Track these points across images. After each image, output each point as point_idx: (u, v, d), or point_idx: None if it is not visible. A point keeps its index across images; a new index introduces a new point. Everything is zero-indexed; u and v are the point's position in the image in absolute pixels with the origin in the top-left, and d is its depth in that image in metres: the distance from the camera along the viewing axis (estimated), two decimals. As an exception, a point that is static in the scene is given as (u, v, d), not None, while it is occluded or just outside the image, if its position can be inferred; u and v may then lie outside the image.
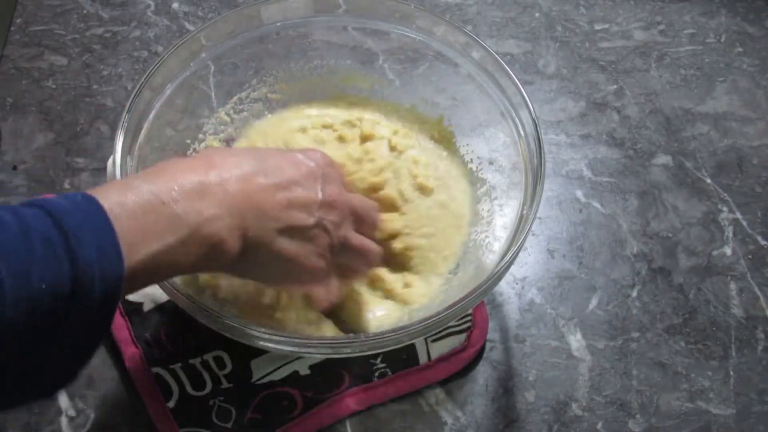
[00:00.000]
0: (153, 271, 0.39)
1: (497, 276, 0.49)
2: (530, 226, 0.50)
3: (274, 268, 0.46)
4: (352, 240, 0.50)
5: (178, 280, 0.50)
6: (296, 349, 0.48)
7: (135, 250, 0.37)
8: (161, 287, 0.48)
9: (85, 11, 0.78)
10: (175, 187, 0.41)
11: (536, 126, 0.54)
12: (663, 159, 0.71)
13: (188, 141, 0.61)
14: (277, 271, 0.47)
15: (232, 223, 0.42)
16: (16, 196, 0.62)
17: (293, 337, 0.48)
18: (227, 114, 0.63)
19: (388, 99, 0.65)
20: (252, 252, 0.44)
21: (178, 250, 0.40)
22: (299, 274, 0.48)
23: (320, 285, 0.50)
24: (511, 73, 0.56)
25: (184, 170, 0.42)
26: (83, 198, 0.37)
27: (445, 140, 0.64)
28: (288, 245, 0.45)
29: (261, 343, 0.48)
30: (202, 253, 0.41)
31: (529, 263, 0.64)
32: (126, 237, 0.37)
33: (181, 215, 0.40)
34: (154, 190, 0.39)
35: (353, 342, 0.47)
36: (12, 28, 0.76)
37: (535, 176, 0.52)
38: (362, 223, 0.51)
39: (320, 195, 0.47)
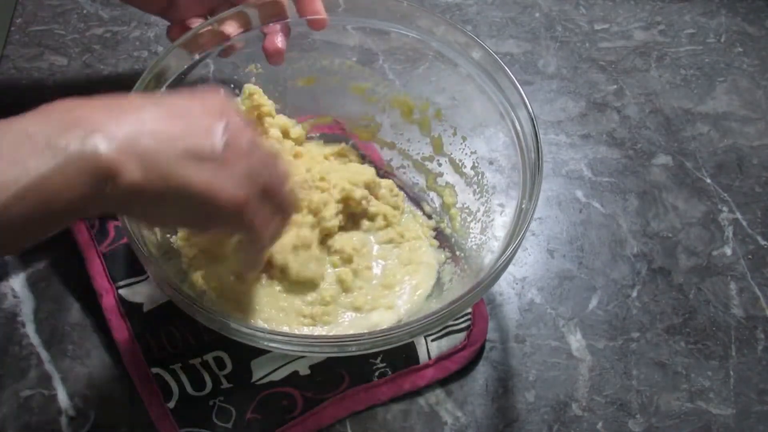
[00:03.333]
0: (25, 215, 0.33)
1: (497, 272, 0.49)
2: (529, 223, 0.50)
3: (186, 201, 0.39)
4: (267, 173, 0.43)
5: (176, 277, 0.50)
6: (299, 348, 0.48)
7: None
8: (160, 287, 0.48)
9: (85, 11, 0.78)
10: (51, 120, 0.35)
11: (534, 124, 0.54)
12: (663, 159, 0.71)
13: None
14: (192, 207, 0.40)
15: (123, 147, 0.35)
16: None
17: (295, 336, 0.48)
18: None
19: (386, 99, 0.66)
20: (153, 184, 0.37)
21: (53, 182, 0.34)
22: (219, 211, 0.40)
23: (249, 226, 0.43)
24: (509, 73, 0.56)
25: (68, 106, 0.37)
26: None
27: (436, 146, 0.65)
28: (197, 171, 0.38)
29: (264, 343, 0.48)
30: (86, 183, 0.34)
31: (529, 263, 0.64)
32: None
33: (55, 142, 0.34)
34: (20, 125, 0.34)
35: (356, 340, 0.47)
36: (12, 28, 0.76)
37: (534, 173, 0.52)
38: (278, 174, 0.45)
39: (224, 119, 0.40)
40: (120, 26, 0.77)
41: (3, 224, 0.33)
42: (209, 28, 0.57)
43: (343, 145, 0.66)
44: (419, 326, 0.47)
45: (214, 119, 0.40)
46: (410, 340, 0.54)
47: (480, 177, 0.62)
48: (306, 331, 0.56)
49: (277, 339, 0.47)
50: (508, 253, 0.49)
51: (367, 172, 0.62)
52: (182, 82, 0.57)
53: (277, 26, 0.60)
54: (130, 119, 0.37)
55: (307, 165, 0.62)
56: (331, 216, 0.58)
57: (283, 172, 0.46)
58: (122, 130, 0.36)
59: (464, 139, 0.63)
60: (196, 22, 0.60)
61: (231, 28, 0.58)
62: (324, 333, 0.56)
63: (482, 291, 0.49)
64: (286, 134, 0.63)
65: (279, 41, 0.60)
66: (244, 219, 0.42)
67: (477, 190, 0.62)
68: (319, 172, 0.61)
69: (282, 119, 0.63)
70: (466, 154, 0.63)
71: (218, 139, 0.39)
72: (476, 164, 0.62)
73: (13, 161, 0.33)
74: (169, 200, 0.38)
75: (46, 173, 0.33)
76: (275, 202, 0.45)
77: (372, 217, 0.61)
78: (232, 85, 0.63)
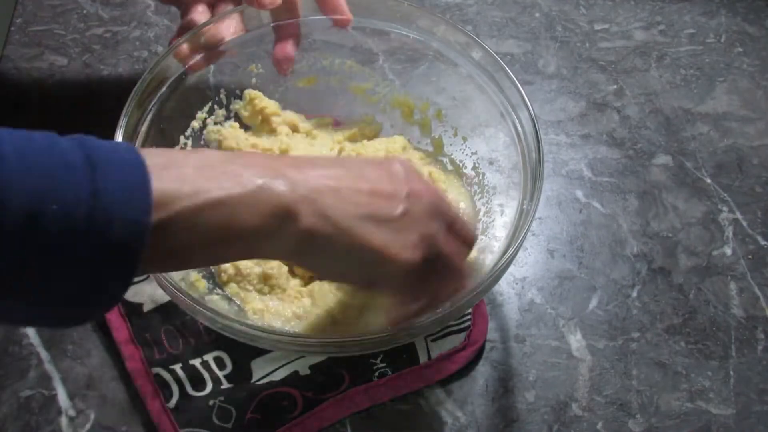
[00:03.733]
0: (198, 225, 0.34)
1: (498, 273, 0.49)
2: (529, 224, 0.50)
3: (358, 257, 0.40)
4: (444, 243, 0.43)
5: (176, 276, 0.50)
6: (299, 348, 0.48)
7: (174, 201, 0.33)
8: (161, 286, 0.48)
9: (85, 11, 0.78)
10: (241, 155, 0.37)
11: (535, 125, 0.54)
12: (663, 159, 0.71)
13: (187, 141, 0.61)
14: (365, 263, 0.40)
15: (305, 194, 0.37)
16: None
17: (296, 336, 0.48)
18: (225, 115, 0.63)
19: (387, 100, 0.66)
20: (330, 236, 0.38)
21: (235, 204, 0.35)
22: (392, 269, 0.41)
23: (417, 288, 0.44)
24: (510, 73, 0.56)
25: (255, 155, 0.39)
26: (125, 145, 0.34)
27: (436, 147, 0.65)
28: (374, 231, 0.39)
29: (265, 343, 0.48)
30: (268, 215, 0.36)
31: (529, 263, 0.64)
32: (166, 185, 0.33)
33: (242, 173, 0.36)
34: (214, 155, 0.36)
35: (357, 341, 0.47)
36: (12, 28, 0.76)
37: (534, 173, 0.52)
38: (455, 226, 0.44)
39: (406, 187, 0.41)
40: (120, 26, 0.77)
41: (188, 226, 0.34)
42: (207, 28, 0.57)
43: (354, 129, 0.66)
44: (420, 327, 0.47)
45: (396, 186, 0.41)
46: (410, 341, 0.54)
47: (480, 177, 0.62)
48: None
49: (278, 339, 0.47)
50: (509, 254, 0.49)
51: (398, 140, 0.63)
52: (182, 82, 0.57)
53: (289, 30, 0.60)
54: (316, 174, 0.39)
55: (329, 147, 0.62)
56: None
57: (465, 232, 0.46)
58: (308, 182, 0.38)
59: (465, 139, 0.63)
60: (200, 9, 0.60)
61: (229, 30, 0.58)
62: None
63: (483, 292, 0.49)
64: (295, 129, 0.63)
65: (289, 48, 0.59)
66: (411, 283, 0.43)
67: (477, 191, 0.62)
68: (353, 149, 0.61)
69: (289, 115, 0.63)
70: (466, 154, 0.63)
71: (399, 205, 0.40)
72: (477, 164, 0.62)
73: (206, 178, 0.35)
74: (341, 252, 0.40)
75: (235, 195, 0.35)
76: (448, 267, 0.45)
77: None
78: (232, 86, 0.63)
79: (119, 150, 0.34)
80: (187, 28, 0.58)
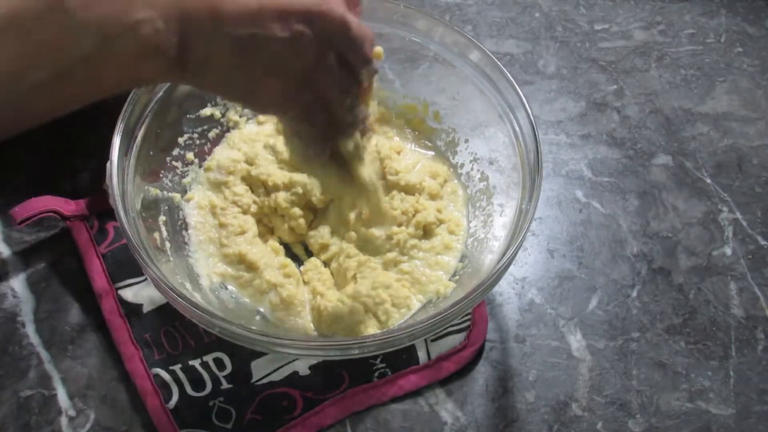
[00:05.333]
0: (60, 92, 0.33)
1: (498, 274, 0.49)
2: (529, 224, 0.50)
3: (239, 82, 0.38)
4: (325, 77, 0.41)
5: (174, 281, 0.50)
6: (298, 352, 0.48)
7: (25, 73, 0.32)
8: (160, 292, 0.48)
9: (85, 11, 0.78)
10: None
11: (533, 126, 0.54)
12: (663, 159, 0.71)
13: (187, 142, 0.61)
14: (238, 87, 0.39)
15: (166, 28, 0.35)
16: (17, 196, 0.62)
17: (296, 339, 0.48)
18: (222, 114, 0.63)
19: (386, 100, 0.66)
20: (203, 62, 0.36)
21: (88, 70, 0.33)
22: (269, 100, 0.40)
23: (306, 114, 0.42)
24: (508, 74, 0.56)
25: None
26: None
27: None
28: (257, 64, 0.37)
29: (262, 346, 0.48)
30: (125, 69, 0.34)
31: (529, 263, 0.64)
32: (14, 59, 0.31)
33: (88, 23, 0.33)
34: None
35: (358, 343, 0.47)
36: (12, 28, 0.76)
37: (533, 173, 0.52)
38: (351, 51, 0.42)
39: (307, 4, 0.38)
40: (120, 26, 0.77)
41: (31, 102, 0.33)
42: None
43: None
44: (421, 329, 0.47)
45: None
46: (411, 343, 0.54)
47: (480, 177, 0.62)
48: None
49: (277, 342, 0.47)
50: (509, 254, 0.49)
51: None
52: (172, 95, 0.57)
53: None
54: None
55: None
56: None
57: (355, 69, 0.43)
58: (168, 14, 0.35)
59: (466, 141, 0.63)
60: None
61: None
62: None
63: (484, 292, 0.49)
64: None
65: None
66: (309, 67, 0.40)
67: (478, 191, 0.62)
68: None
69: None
70: (467, 154, 0.63)
71: (289, 28, 0.38)
72: (477, 165, 0.62)
73: (37, 48, 0.33)
74: (217, 77, 0.38)
75: (79, 57, 0.33)
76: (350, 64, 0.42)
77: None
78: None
79: None
80: None
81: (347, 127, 0.46)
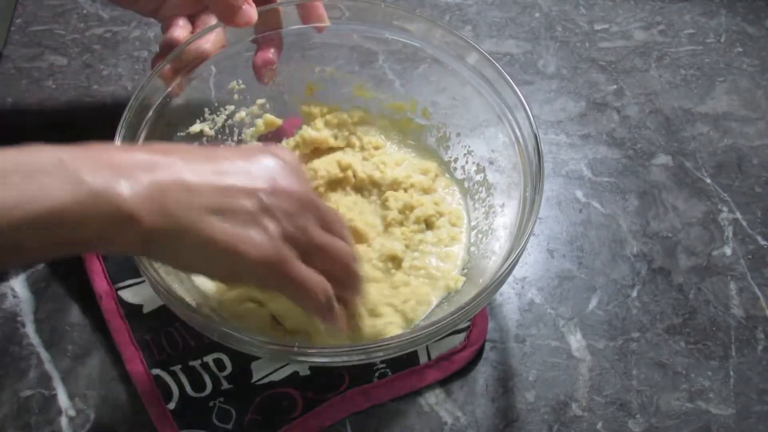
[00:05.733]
0: (34, 237, 0.33)
1: (502, 277, 0.49)
2: (531, 228, 0.50)
3: (207, 252, 0.39)
4: (316, 236, 0.42)
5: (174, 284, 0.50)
6: (297, 359, 0.48)
7: (8, 212, 0.32)
8: (158, 294, 0.48)
9: (85, 11, 0.78)
10: (87, 156, 0.35)
11: (533, 127, 0.54)
12: (663, 159, 0.71)
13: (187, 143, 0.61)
14: (216, 258, 0.39)
15: (147, 195, 0.36)
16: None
17: (292, 345, 0.48)
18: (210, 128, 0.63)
19: (386, 102, 0.66)
20: (174, 233, 0.37)
21: (68, 216, 0.33)
22: (246, 264, 0.40)
23: (295, 286, 0.42)
24: (507, 76, 0.56)
25: (108, 147, 0.37)
26: None
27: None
28: (220, 226, 0.38)
29: (256, 350, 0.48)
30: (103, 223, 0.35)
31: (529, 263, 0.64)
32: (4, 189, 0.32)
33: (80, 176, 0.34)
34: (60, 155, 0.34)
35: (359, 350, 0.47)
36: (12, 28, 0.76)
37: (535, 180, 0.52)
38: (329, 224, 0.44)
39: (269, 182, 0.40)
40: (120, 26, 0.77)
41: (8, 242, 0.33)
42: (188, 48, 0.56)
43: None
44: (426, 334, 0.47)
45: (256, 181, 0.40)
46: (414, 349, 0.54)
47: (481, 177, 0.62)
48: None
49: (275, 349, 0.47)
50: (512, 257, 0.49)
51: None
52: (168, 104, 0.57)
53: (270, 40, 0.59)
54: (167, 170, 0.37)
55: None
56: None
57: (338, 226, 0.46)
58: (151, 179, 0.37)
59: (458, 135, 0.63)
60: (180, 24, 0.59)
61: (210, 46, 0.57)
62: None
63: (488, 296, 0.49)
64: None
65: (271, 54, 0.59)
66: (277, 278, 0.42)
67: (479, 191, 0.62)
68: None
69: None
70: (467, 154, 0.63)
71: (253, 199, 0.40)
72: (477, 165, 0.62)
73: (36, 183, 0.33)
74: (191, 248, 0.39)
75: (66, 204, 0.33)
76: (329, 254, 0.44)
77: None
78: (216, 104, 0.62)
79: None
80: (168, 45, 0.57)
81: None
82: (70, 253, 0.37)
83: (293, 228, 0.41)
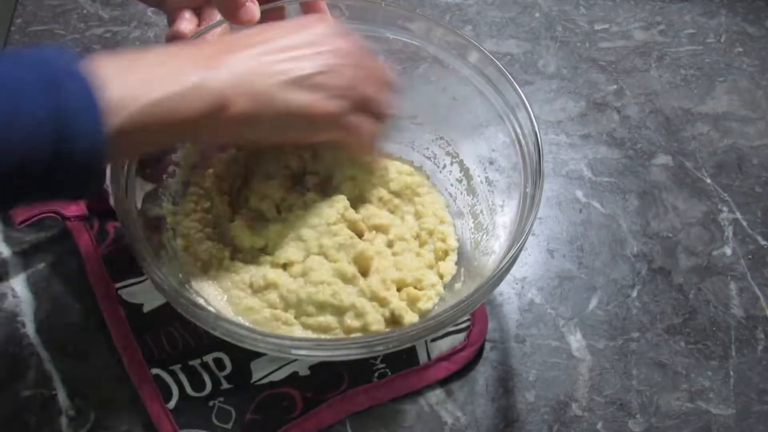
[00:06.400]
0: (148, 124, 0.40)
1: (500, 274, 0.49)
2: (530, 227, 0.50)
3: (289, 122, 0.47)
4: (368, 91, 0.51)
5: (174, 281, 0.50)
6: (303, 354, 0.48)
7: (123, 107, 0.39)
8: (161, 293, 0.48)
9: (85, 11, 0.78)
10: (178, 51, 0.43)
11: (536, 134, 0.53)
12: (663, 159, 0.71)
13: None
14: (294, 124, 0.48)
15: (233, 82, 0.43)
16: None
17: (300, 339, 0.48)
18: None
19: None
20: (259, 111, 0.45)
21: (176, 102, 0.41)
22: (317, 124, 0.49)
23: (347, 130, 0.51)
24: (508, 75, 0.56)
25: (188, 46, 0.45)
26: (80, 63, 0.39)
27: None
28: (295, 96, 0.46)
29: (262, 346, 0.48)
30: (202, 107, 0.42)
31: (529, 263, 0.64)
32: (115, 94, 0.38)
33: (181, 68, 0.42)
34: (152, 52, 0.42)
35: (357, 345, 0.47)
36: (12, 28, 0.76)
37: (535, 178, 0.52)
38: (376, 74, 0.53)
39: (327, 44, 0.48)
40: (120, 26, 0.77)
41: (137, 126, 0.39)
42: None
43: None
44: (425, 328, 0.47)
45: (316, 44, 0.48)
46: (413, 343, 0.54)
47: (480, 178, 0.62)
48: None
49: (280, 344, 0.47)
50: (510, 255, 0.49)
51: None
52: None
53: None
54: (243, 56, 0.45)
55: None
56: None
57: (378, 83, 0.53)
58: (236, 67, 0.44)
59: (460, 154, 0.63)
60: (186, 16, 0.59)
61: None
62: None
63: (486, 293, 0.49)
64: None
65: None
66: (339, 126, 0.50)
67: (480, 191, 0.62)
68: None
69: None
70: (468, 154, 0.63)
71: (318, 61, 0.47)
72: (478, 164, 0.62)
73: (149, 80, 0.41)
74: (273, 121, 0.46)
75: (173, 94, 0.41)
76: (371, 109, 0.52)
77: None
78: None
79: (74, 67, 0.38)
80: (174, 38, 0.57)
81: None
82: (176, 139, 0.51)
83: (349, 83, 0.49)
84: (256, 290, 0.55)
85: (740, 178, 0.70)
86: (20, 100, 0.36)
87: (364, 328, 0.53)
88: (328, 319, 0.53)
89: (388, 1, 0.61)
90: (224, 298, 0.55)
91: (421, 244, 0.60)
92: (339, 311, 0.53)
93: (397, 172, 0.63)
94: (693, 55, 0.79)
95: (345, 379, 0.56)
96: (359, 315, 0.53)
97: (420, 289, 0.56)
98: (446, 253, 0.60)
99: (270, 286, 0.54)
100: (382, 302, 0.54)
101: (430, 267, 0.59)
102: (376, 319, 0.53)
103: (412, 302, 0.55)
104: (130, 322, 0.57)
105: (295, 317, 0.54)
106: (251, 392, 0.55)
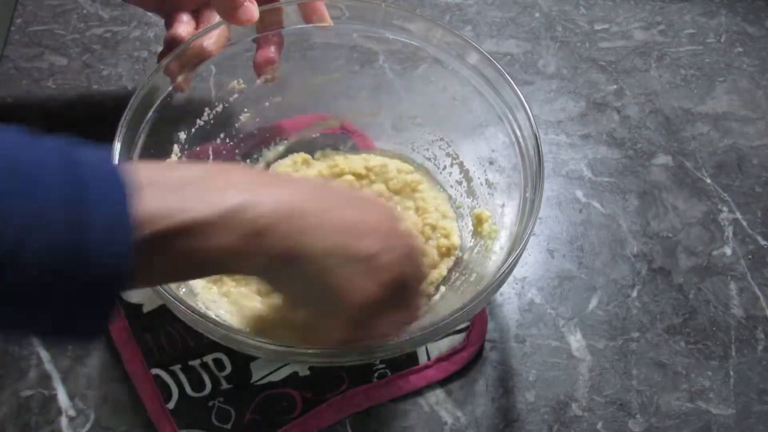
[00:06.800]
0: (177, 252, 0.34)
1: (500, 280, 0.48)
2: (531, 230, 0.50)
3: (319, 287, 0.40)
4: (409, 284, 0.43)
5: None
6: (302, 360, 0.48)
7: (152, 222, 0.33)
8: (160, 296, 0.48)
9: (85, 11, 0.78)
10: (222, 178, 0.36)
11: (536, 137, 0.53)
12: (663, 159, 0.71)
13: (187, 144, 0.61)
14: (323, 293, 0.40)
15: (283, 215, 0.37)
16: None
17: (297, 347, 0.48)
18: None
19: (386, 103, 0.66)
20: (300, 259, 0.38)
21: (211, 228, 0.35)
22: (344, 306, 0.41)
23: (361, 324, 0.43)
24: (507, 76, 0.56)
25: (240, 170, 0.38)
26: (111, 165, 0.33)
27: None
28: (341, 266, 0.39)
29: (254, 351, 0.48)
30: (239, 236, 0.36)
31: (529, 263, 0.64)
32: (146, 208, 0.33)
33: (223, 191, 0.36)
34: (198, 169, 0.36)
35: (357, 351, 0.47)
36: (12, 28, 0.76)
37: (535, 181, 0.52)
38: (417, 279, 0.46)
39: (387, 227, 0.41)
40: (120, 26, 0.77)
41: (163, 248, 0.34)
42: (191, 47, 0.56)
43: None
44: (425, 334, 0.47)
45: (379, 224, 0.41)
46: (413, 349, 0.54)
47: (480, 178, 0.62)
48: None
49: (278, 350, 0.47)
50: (512, 257, 0.49)
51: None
52: (169, 104, 0.57)
53: (271, 39, 0.59)
54: (302, 194, 0.39)
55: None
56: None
57: (418, 287, 0.46)
58: (291, 202, 0.38)
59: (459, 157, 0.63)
60: (184, 20, 0.59)
61: (213, 44, 0.57)
62: None
63: (487, 297, 0.49)
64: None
65: (272, 53, 0.59)
66: (359, 322, 0.42)
67: (481, 191, 0.62)
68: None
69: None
70: (468, 154, 0.63)
71: (375, 244, 0.40)
72: (478, 165, 0.62)
73: (185, 198, 0.35)
74: (304, 280, 0.39)
75: (210, 216, 0.35)
76: (399, 308, 0.45)
77: None
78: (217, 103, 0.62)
79: (105, 171, 0.33)
80: (172, 42, 0.57)
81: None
82: (207, 272, 0.40)
83: (391, 278, 0.41)
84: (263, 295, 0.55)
85: (740, 178, 0.70)
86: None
87: None
88: None
89: (388, 1, 0.61)
90: (225, 301, 0.56)
91: (425, 239, 0.60)
92: None
93: (397, 170, 0.63)
94: (693, 55, 0.79)
95: (345, 379, 0.56)
96: None
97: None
98: (449, 250, 0.60)
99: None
100: None
101: (434, 266, 0.59)
102: None
103: None
104: (130, 322, 0.57)
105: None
106: (251, 392, 0.55)
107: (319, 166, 0.64)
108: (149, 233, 0.33)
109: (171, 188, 0.35)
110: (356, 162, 0.64)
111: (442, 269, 0.59)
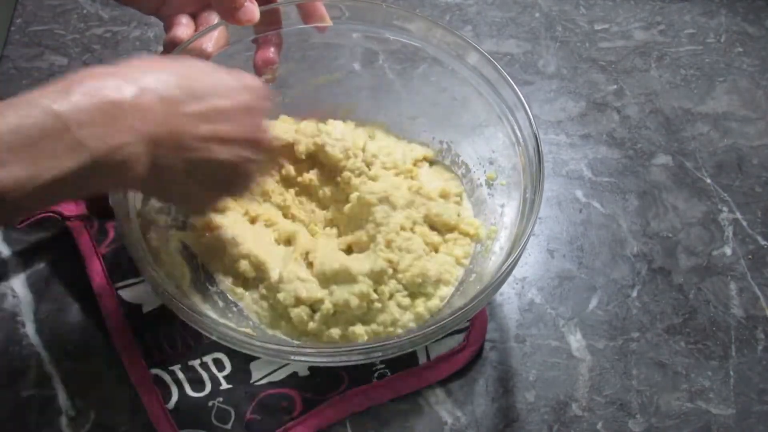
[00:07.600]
0: (44, 198, 0.38)
1: (500, 280, 0.49)
2: (531, 230, 0.50)
3: (178, 190, 0.46)
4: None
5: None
6: (301, 359, 0.48)
7: (24, 180, 0.36)
8: (158, 295, 0.48)
9: (85, 11, 0.78)
10: (83, 107, 0.38)
11: (536, 138, 0.53)
12: (663, 159, 0.71)
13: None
14: (182, 193, 0.47)
15: (142, 151, 0.40)
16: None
17: (295, 346, 0.48)
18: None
19: (386, 103, 0.65)
20: (159, 176, 0.43)
21: (74, 179, 0.38)
22: (202, 198, 0.49)
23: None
24: (507, 76, 0.56)
25: (98, 86, 0.39)
26: None
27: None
28: (197, 175, 0.45)
29: (257, 351, 0.48)
30: (103, 179, 0.40)
31: (529, 263, 0.64)
32: (18, 163, 0.36)
33: (85, 142, 0.38)
34: (58, 111, 0.37)
35: (359, 350, 0.47)
36: (12, 28, 0.76)
37: (535, 182, 0.52)
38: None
39: (246, 133, 0.46)
40: (120, 26, 0.77)
41: (21, 207, 0.38)
42: (190, 47, 0.56)
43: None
44: (424, 334, 0.47)
45: (237, 129, 0.46)
46: (413, 349, 0.54)
47: (481, 180, 0.62)
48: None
49: (278, 350, 0.47)
50: (512, 258, 0.49)
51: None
52: None
53: (270, 39, 0.59)
54: (156, 122, 0.41)
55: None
56: None
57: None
58: (144, 139, 0.40)
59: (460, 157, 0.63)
60: (183, 22, 0.59)
61: (212, 44, 0.57)
62: None
63: (488, 296, 0.49)
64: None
65: (271, 54, 0.59)
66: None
67: (480, 190, 0.62)
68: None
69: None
70: (468, 153, 0.63)
71: (232, 152, 0.46)
72: (477, 165, 0.62)
73: (37, 157, 0.37)
74: (167, 185, 0.45)
75: (69, 172, 0.38)
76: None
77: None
78: None
79: None
80: (172, 44, 0.57)
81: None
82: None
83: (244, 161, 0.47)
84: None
85: (740, 178, 0.70)
86: None
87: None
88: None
89: (388, 1, 0.61)
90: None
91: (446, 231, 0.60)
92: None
93: (402, 153, 0.63)
94: (693, 55, 0.79)
95: (344, 379, 0.56)
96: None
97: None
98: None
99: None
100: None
101: (456, 261, 0.59)
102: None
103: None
104: (130, 322, 0.57)
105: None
106: (251, 392, 0.55)
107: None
108: (24, 191, 0.36)
109: (36, 140, 0.37)
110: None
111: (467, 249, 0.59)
